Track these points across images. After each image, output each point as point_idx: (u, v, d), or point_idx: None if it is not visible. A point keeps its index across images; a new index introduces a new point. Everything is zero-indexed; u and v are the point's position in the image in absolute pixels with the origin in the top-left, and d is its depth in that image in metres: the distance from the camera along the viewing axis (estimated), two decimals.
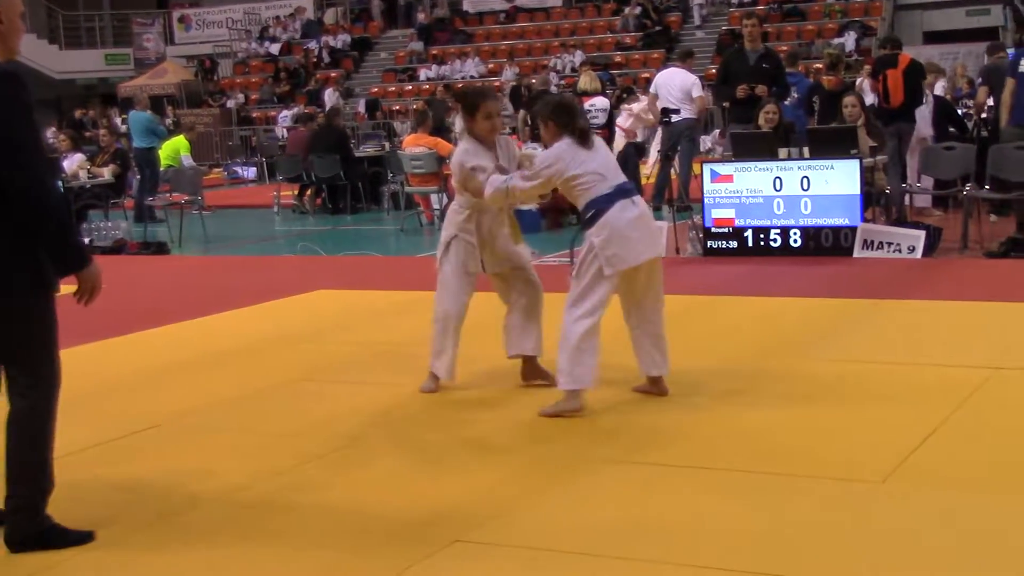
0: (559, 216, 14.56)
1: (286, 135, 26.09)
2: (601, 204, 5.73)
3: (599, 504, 4.57)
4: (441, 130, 17.40)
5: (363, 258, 12.58)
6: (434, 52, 35.31)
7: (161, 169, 18.48)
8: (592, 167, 5.78)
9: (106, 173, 17.02)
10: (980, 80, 13.38)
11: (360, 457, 5.35)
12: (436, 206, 15.71)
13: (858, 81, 16.82)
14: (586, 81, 17.22)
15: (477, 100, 6.21)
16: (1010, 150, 10.88)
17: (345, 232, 16.17)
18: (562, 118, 5.86)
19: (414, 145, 15.57)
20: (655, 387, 6.07)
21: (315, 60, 36.66)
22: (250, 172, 27.58)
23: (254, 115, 33.81)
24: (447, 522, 4.41)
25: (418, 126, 16.30)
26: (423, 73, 34.32)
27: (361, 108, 31.52)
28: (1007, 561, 3.87)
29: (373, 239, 15.07)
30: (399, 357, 7.33)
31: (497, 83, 31.72)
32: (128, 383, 7.04)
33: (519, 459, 5.19)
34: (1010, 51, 13.25)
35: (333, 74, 35.55)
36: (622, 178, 5.91)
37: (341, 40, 37.37)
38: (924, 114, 13.13)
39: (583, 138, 5.82)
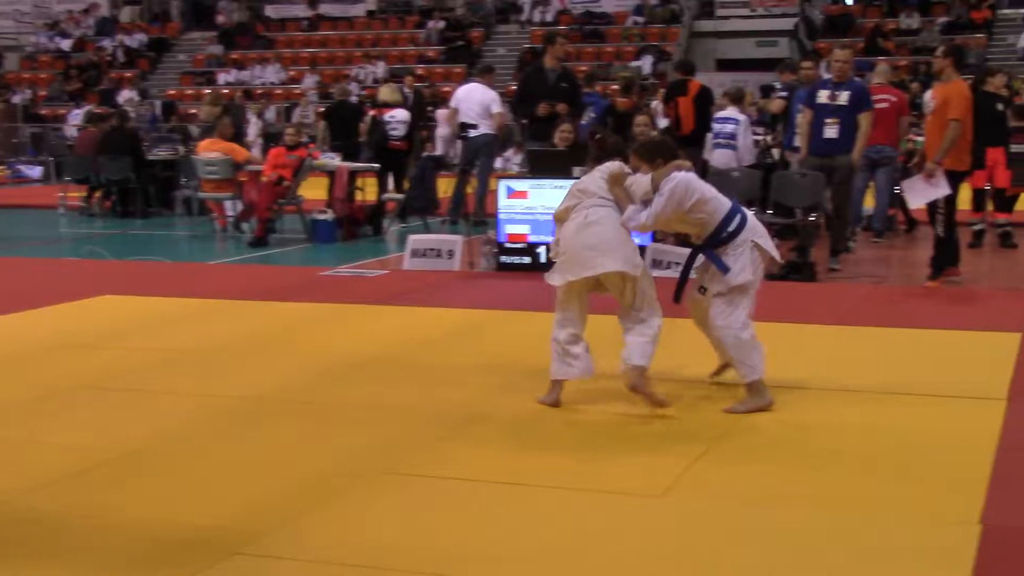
0: (354, 227, 14.49)
1: (76, 134, 25.24)
2: (740, 210, 6.08)
3: (383, 517, 4.55)
4: (238, 136, 17.15)
5: (152, 264, 12.27)
6: (234, 56, 34.75)
7: None
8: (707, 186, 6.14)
9: None
10: (782, 93, 13.81)
11: (136, 468, 5.20)
12: (230, 212, 15.44)
13: (652, 104, 17.25)
14: (387, 93, 17.20)
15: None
16: (791, 176, 11.32)
17: (135, 236, 15.73)
18: (670, 152, 6.12)
19: (209, 150, 15.26)
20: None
21: (109, 59, 35.61)
22: (36, 171, 26.57)
23: (43, 112, 32.61)
24: (226, 535, 4.33)
25: (214, 131, 15.99)
26: (222, 77, 33.73)
27: (157, 110, 30.75)
28: (786, 571, 4.01)
29: (163, 244, 14.70)
30: (182, 365, 7.18)
31: (299, 91, 31.45)
32: None
33: (303, 472, 5.13)
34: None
35: (128, 74, 34.60)
36: None
37: (137, 39, 36.42)
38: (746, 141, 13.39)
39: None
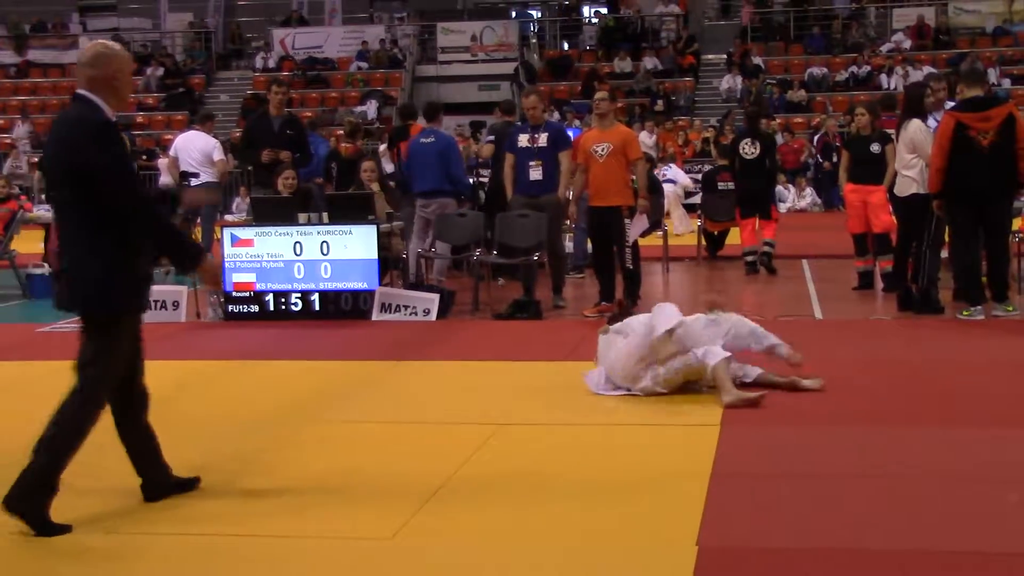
0: None
1: None
2: None
3: None
4: None
5: None
6: None
7: None
8: None
9: None
10: (490, 138, 14.05)
11: None
12: None
13: (380, 148, 17.37)
14: None
15: None
16: (513, 218, 11.57)
17: None
18: None
19: None
20: None
21: None
22: None
23: None
24: None
25: None
26: None
27: None
28: None
29: None
30: None
31: (9, 140, 30.20)
32: None
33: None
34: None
35: None
36: None
37: None
38: None
39: None
